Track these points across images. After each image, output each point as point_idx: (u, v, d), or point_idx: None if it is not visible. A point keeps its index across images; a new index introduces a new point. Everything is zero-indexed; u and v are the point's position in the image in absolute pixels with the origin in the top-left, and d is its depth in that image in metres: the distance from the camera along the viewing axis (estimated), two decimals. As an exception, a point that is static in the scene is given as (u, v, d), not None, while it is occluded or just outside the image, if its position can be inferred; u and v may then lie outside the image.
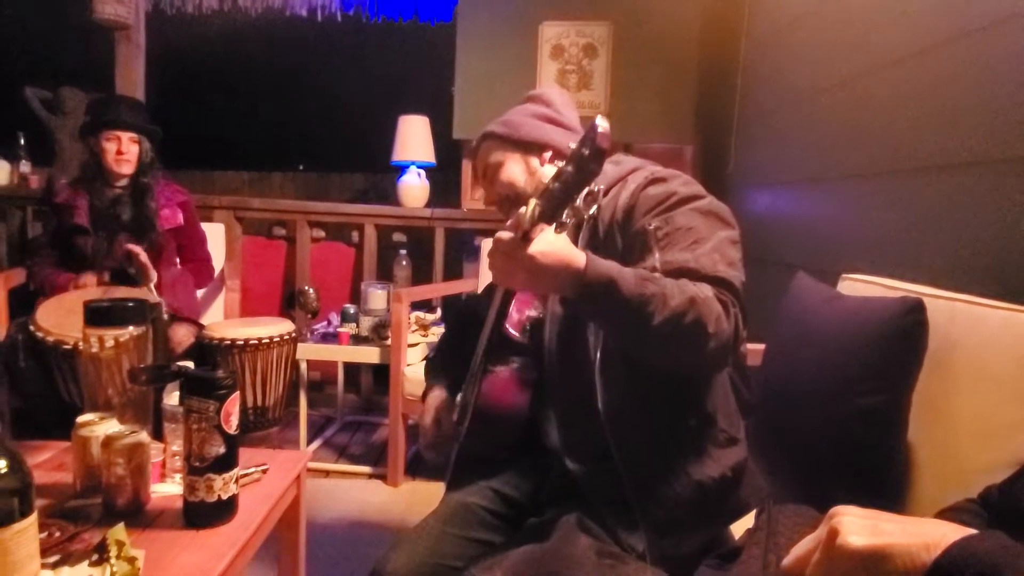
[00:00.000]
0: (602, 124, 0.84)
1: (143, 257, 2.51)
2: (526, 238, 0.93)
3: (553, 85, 1.41)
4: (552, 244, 0.94)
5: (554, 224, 0.92)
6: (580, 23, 3.37)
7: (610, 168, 1.25)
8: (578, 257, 0.95)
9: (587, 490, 1.12)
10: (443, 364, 1.48)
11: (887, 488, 1.16)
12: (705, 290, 0.99)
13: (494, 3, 3.36)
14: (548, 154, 1.32)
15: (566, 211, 0.89)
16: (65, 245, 2.58)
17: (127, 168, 2.60)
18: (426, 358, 1.51)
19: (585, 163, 0.84)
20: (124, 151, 2.57)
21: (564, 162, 0.88)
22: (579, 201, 0.87)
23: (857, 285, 1.48)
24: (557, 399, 1.22)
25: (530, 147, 1.32)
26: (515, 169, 1.33)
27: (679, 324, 0.94)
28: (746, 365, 1.25)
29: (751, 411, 1.24)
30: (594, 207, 0.89)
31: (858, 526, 0.60)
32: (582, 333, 1.14)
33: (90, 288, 2.48)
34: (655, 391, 1.10)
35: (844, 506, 0.63)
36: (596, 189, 0.88)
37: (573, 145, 0.87)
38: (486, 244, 1.71)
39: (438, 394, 1.40)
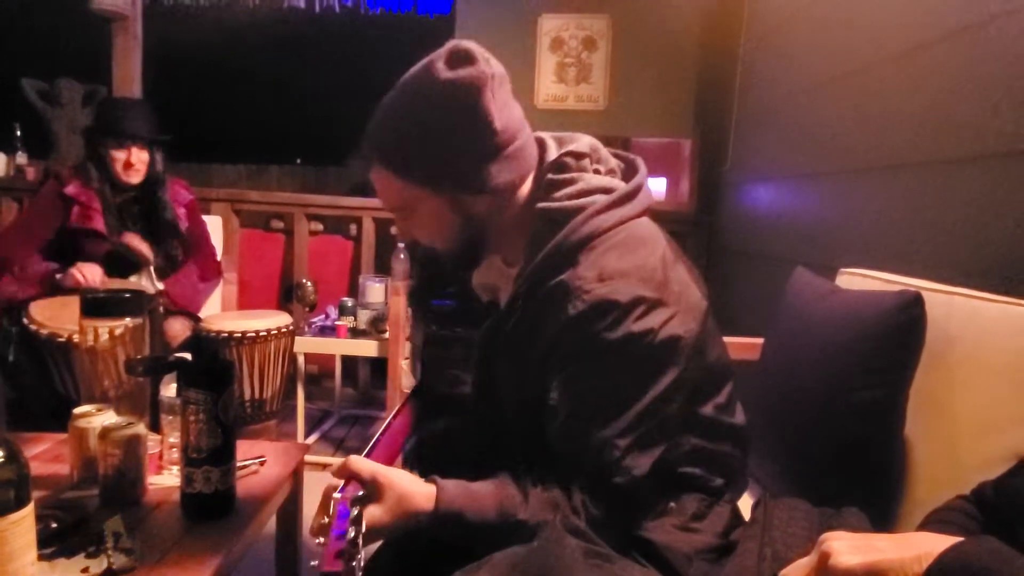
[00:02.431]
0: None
1: (137, 245, 2.47)
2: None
3: (467, 61, 0.92)
4: (389, 510, 0.86)
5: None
6: (579, 16, 3.36)
7: (543, 236, 0.96)
8: (422, 502, 0.87)
9: None
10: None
11: (884, 482, 1.16)
12: (592, 508, 0.90)
13: (493, -4, 3.35)
14: (483, 197, 0.97)
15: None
16: (69, 244, 2.47)
17: (136, 178, 2.51)
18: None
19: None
20: (134, 162, 2.47)
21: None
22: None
23: (855, 279, 1.48)
24: None
25: (455, 189, 0.97)
26: (435, 215, 0.99)
27: None
28: (730, 422, 1.08)
29: (745, 449, 1.13)
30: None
31: (849, 546, 0.61)
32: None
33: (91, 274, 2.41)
34: None
35: (833, 532, 0.64)
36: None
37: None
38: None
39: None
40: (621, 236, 0.95)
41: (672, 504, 1.03)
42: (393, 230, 3.56)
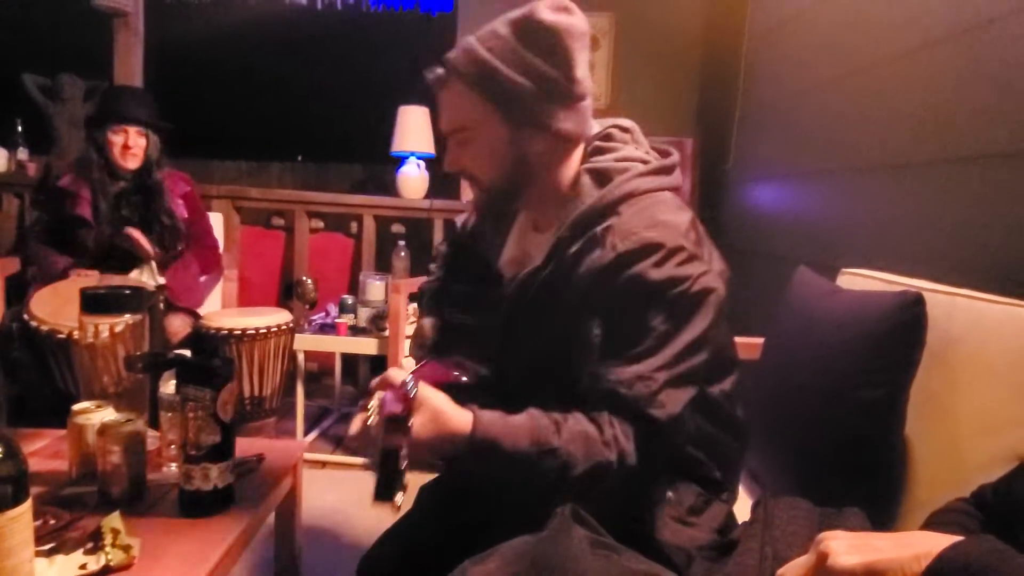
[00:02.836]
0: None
1: (139, 238, 2.49)
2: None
3: (566, 11, 1.01)
4: (425, 425, 0.89)
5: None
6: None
7: (589, 190, 1.02)
8: (458, 424, 0.90)
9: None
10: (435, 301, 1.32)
11: (884, 482, 1.15)
12: (622, 441, 0.92)
13: (495, -7, 3.33)
14: (543, 137, 1.02)
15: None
16: (63, 234, 2.54)
17: (133, 163, 2.55)
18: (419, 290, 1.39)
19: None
20: (131, 145, 2.52)
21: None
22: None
23: (857, 279, 1.47)
24: None
25: (522, 120, 1.01)
26: (493, 143, 1.02)
27: (573, 488, 0.92)
28: (733, 414, 1.12)
29: (744, 446, 1.16)
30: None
31: (847, 546, 0.61)
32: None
33: (88, 275, 2.45)
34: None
35: (831, 531, 0.64)
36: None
37: None
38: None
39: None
40: (658, 199, 1.02)
41: (670, 494, 1.04)
42: (394, 230, 3.56)
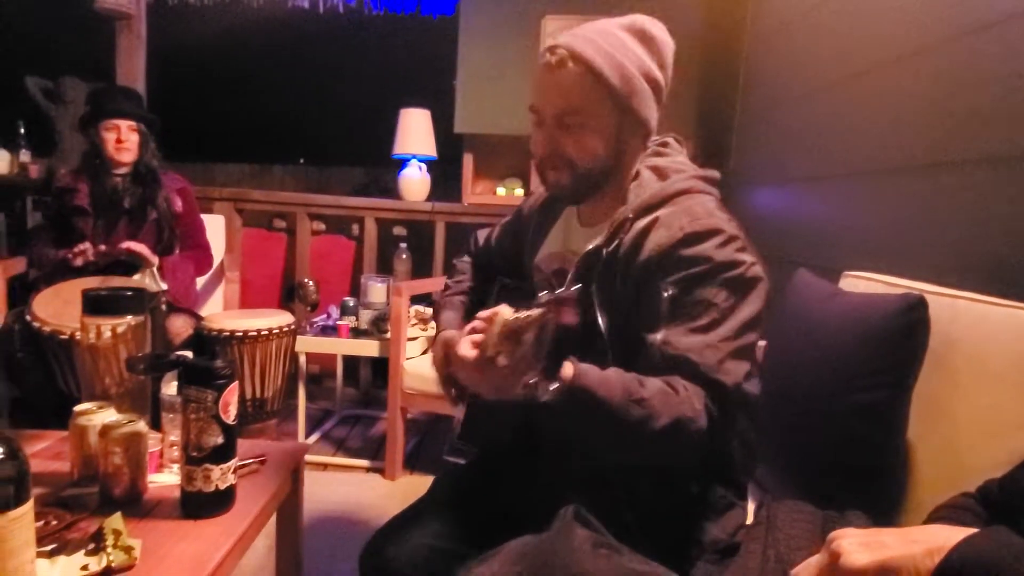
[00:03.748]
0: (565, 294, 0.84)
1: (139, 248, 2.52)
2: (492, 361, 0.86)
3: (660, 28, 1.11)
4: None
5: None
6: (583, 17, 3.35)
7: (651, 181, 1.11)
8: (562, 369, 0.91)
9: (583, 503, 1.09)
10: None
11: (886, 485, 1.15)
12: (695, 402, 0.95)
13: (497, -3, 3.34)
14: (640, 132, 1.11)
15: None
16: (64, 227, 2.60)
17: (127, 156, 2.62)
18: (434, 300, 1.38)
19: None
20: (124, 139, 2.60)
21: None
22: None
23: (859, 282, 1.47)
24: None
25: (631, 113, 1.08)
26: (604, 130, 1.08)
27: (655, 444, 0.94)
28: (758, 420, 1.13)
29: (757, 455, 1.17)
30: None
31: (858, 545, 0.61)
32: None
33: (88, 268, 2.48)
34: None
35: (842, 529, 0.64)
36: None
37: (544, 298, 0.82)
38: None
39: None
40: (709, 200, 1.10)
41: (695, 489, 1.06)
42: (396, 232, 3.56)
